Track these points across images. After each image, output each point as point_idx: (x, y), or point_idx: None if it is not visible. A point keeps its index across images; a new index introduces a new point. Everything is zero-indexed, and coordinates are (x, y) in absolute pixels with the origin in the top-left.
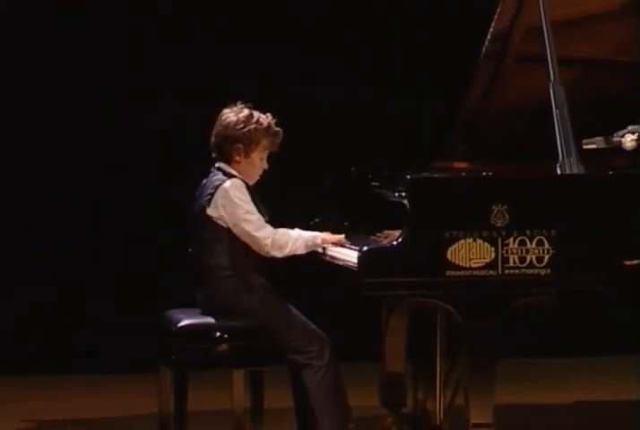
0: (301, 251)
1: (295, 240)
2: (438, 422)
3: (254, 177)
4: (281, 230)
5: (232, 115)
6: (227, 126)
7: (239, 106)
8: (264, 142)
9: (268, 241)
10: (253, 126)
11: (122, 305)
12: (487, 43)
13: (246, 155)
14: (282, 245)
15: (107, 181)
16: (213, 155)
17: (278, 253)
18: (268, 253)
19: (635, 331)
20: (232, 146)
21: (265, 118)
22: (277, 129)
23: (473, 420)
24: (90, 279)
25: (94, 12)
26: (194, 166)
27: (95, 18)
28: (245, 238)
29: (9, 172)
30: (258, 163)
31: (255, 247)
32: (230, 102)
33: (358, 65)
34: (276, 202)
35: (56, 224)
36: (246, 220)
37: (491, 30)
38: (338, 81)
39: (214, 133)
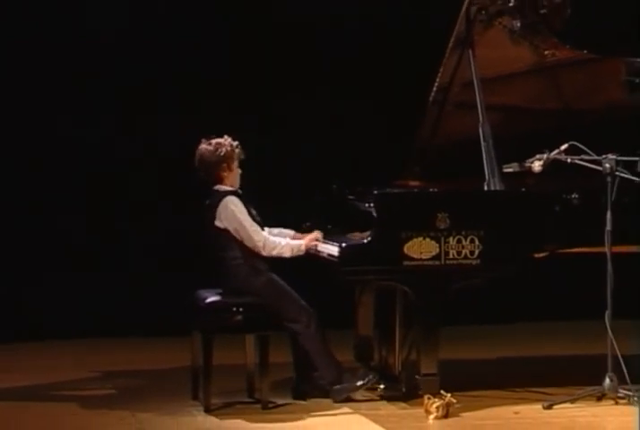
0: (287, 255)
1: (282, 246)
2: (397, 372)
3: (238, 181)
4: (273, 237)
5: (207, 146)
6: (210, 156)
7: (206, 140)
8: (235, 155)
9: (261, 243)
10: (226, 148)
11: (164, 285)
12: (432, 94)
13: (230, 169)
14: (273, 247)
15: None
16: (204, 179)
17: (269, 252)
18: (260, 251)
19: (543, 304)
20: (219, 167)
21: (227, 140)
22: (236, 142)
23: (423, 371)
24: (138, 265)
25: (95, 12)
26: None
27: (98, 19)
28: (244, 239)
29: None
30: (237, 171)
31: (251, 246)
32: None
33: (351, 98)
34: (279, 211)
35: (125, 215)
36: (243, 226)
37: (436, 83)
38: (331, 112)
39: (200, 165)
